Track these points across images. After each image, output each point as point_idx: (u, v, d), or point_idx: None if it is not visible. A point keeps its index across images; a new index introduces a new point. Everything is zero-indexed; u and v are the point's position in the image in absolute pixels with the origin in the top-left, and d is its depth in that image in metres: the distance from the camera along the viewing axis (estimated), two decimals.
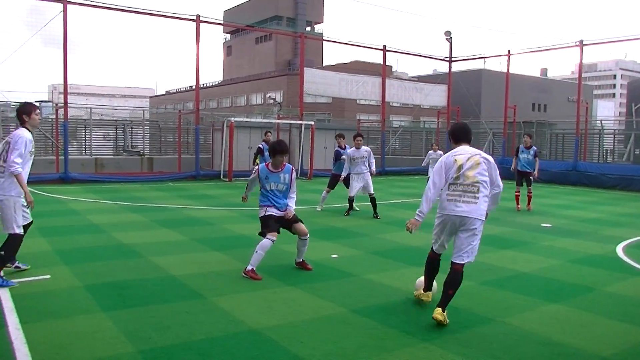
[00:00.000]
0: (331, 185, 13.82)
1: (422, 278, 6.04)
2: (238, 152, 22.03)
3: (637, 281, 7.27)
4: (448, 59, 30.27)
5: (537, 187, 16.83)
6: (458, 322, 5.37)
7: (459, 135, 5.78)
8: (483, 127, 31.85)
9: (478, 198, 5.39)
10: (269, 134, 15.39)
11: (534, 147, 14.57)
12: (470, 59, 31.43)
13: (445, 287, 5.35)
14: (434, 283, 6.01)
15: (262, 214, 7.24)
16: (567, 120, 34.16)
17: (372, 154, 12.91)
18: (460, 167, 5.48)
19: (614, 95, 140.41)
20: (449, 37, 29.70)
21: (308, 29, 74.96)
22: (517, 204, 14.26)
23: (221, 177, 22.14)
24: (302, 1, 75.39)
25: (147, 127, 28.43)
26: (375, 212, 12.48)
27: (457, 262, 5.45)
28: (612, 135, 30.61)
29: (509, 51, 27.74)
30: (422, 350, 4.68)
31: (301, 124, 24.74)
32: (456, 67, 32.15)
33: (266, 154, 14.74)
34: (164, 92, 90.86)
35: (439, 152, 17.36)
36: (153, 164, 24.09)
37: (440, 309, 5.19)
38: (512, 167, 14.80)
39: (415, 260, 8.03)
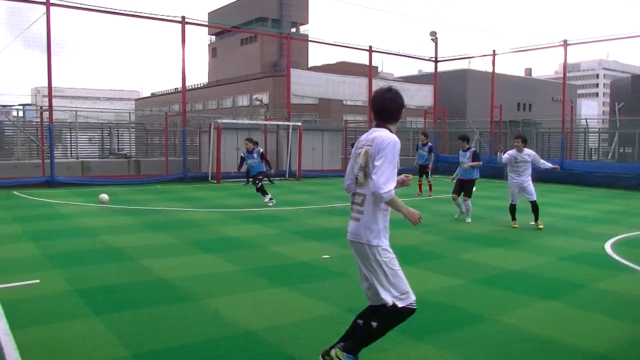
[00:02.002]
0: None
1: None
2: (225, 154, 21.98)
3: (626, 277, 7.35)
4: (434, 59, 30.43)
5: None
6: (451, 320, 5.40)
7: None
8: (470, 126, 32.06)
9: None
10: (248, 143, 14.87)
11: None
12: (455, 59, 31.63)
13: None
14: None
15: None
16: (552, 120, 34.45)
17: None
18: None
19: (597, 94, 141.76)
20: (434, 38, 29.86)
21: (293, 30, 74.92)
22: None
23: (209, 179, 22.07)
24: (286, 2, 75.40)
25: (133, 130, 28.30)
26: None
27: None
28: (597, 134, 30.94)
29: (494, 51, 27.95)
30: (417, 349, 4.70)
31: (289, 126, 24.73)
32: (442, 67, 32.30)
33: (249, 160, 14.80)
34: (150, 95, 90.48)
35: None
36: (140, 167, 23.95)
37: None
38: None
39: (404, 259, 8.05)
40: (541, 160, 11.49)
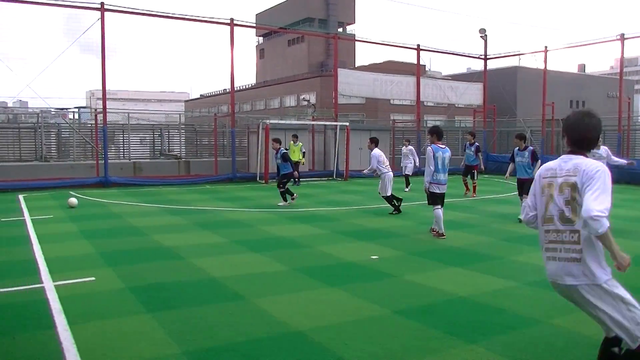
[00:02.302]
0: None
1: None
2: (273, 154, 22.07)
3: None
4: (483, 56, 29.89)
5: None
6: (503, 323, 5.28)
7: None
8: (520, 125, 31.34)
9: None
10: (274, 143, 15.19)
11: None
12: (505, 56, 30.97)
13: None
14: None
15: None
16: (608, 117, 33.34)
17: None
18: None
19: None
20: (483, 35, 29.34)
21: (340, 29, 74.90)
22: None
23: (257, 179, 22.27)
24: (333, 2, 75.38)
25: (183, 131, 28.80)
26: None
27: None
28: None
29: (545, 47, 27.26)
30: (468, 352, 4.59)
31: (336, 126, 24.72)
32: (491, 64, 31.66)
33: (276, 160, 14.88)
34: (199, 96, 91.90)
35: (410, 147, 19.13)
36: (190, 167, 24.38)
37: None
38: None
39: (455, 260, 7.95)
40: (613, 157, 11.19)
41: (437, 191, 9.94)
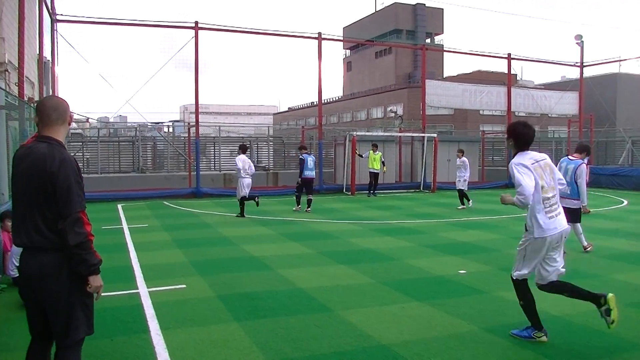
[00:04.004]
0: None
1: None
2: (360, 166, 22.10)
3: None
4: (579, 64, 28.64)
5: None
6: (602, 346, 4.97)
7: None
8: (620, 135, 29.70)
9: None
10: (304, 150, 16.44)
11: None
12: (603, 63, 29.53)
13: None
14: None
15: None
16: None
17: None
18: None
19: None
20: (579, 41, 28.12)
21: (428, 40, 74.15)
22: None
23: (344, 190, 22.33)
24: (421, 13, 74.80)
25: (272, 143, 29.38)
26: None
27: None
28: None
29: None
30: None
31: (423, 137, 24.41)
32: (588, 72, 30.27)
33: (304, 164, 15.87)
34: (287, 109, 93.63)
35: (463, 159, 17.07)
36: (278, 179, 24.82)
37: None
38: None
39: None
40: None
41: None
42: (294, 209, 15.98)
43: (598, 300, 4.90)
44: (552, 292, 5.18)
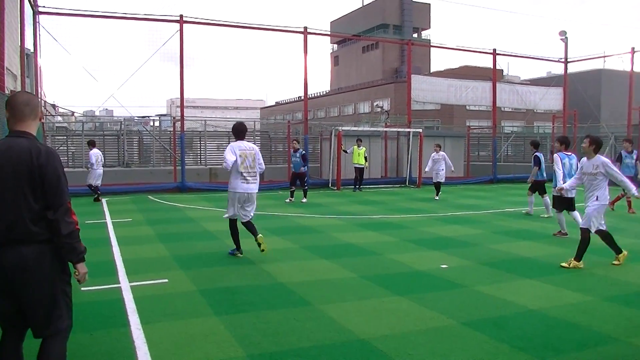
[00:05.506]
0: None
1: None
2: (346, 161, 22.14)
3: None
4: (563, 60, 28.85)
5: None
6: (577, 340, 5.04)
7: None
8: (603, 130, 29.98)
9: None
10: (295, 143, 18.03)
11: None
12: (588, 59, 29.78)
13: None
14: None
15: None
16: None
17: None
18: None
19: None
20: (564, 37, 28.32)
21: (415, 35, 74.35)
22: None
23: (329, 185, 22.37)
24: (408, 8, 74.93)
25: (258, 138, 29.32)
26: None
27: None
28: None
29: (632, 48, 26.02)
30: None
31: (409, 132, 24.51)
32: (573, 68, 30.53)
33: (293, 158, 17.57)
34: (274, 103, 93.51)
35: (442, 153, 18.27)
36: (264, 173, 24.75)
37: None
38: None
39: (528, 272, 7.69)
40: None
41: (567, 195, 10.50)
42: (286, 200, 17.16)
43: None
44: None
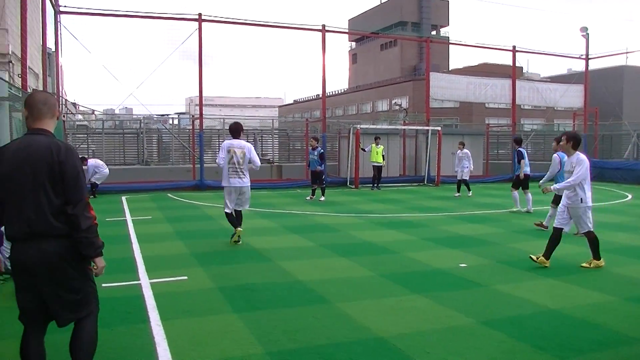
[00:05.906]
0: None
1: None
2: (364, 159, 22.10)
3: None
4: (584, 56, 28.51)
5: None
6: (596, 340, 4.99)
7: None
8: (625, 128, 29.58)
9: None
10: (312, 140, 17.62)
11: None
12: (610, 56, 29.42)
13: None
14: None
15: None
16: None
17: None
18: None
19: None
20: (585, 34, 27.99)
21: (433, 32, 73.90)
22: None
23: (347, 184, 22.36)
24: (426, 5, 74.47)
25: (276, 136, 29.40)
26: None
27: None
28: None
29: None
30: None
31: (428, 130, 24.40)
32: (594, 64, 30.10)
33: (310, 156, 17.33)
34: (292, 102, 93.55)
35: (465, 150, 18.42)
36: (282, 171, 24.87)
37: None
38: None
39: (548, 271, 7.62)
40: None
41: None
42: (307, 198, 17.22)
43: None
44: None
